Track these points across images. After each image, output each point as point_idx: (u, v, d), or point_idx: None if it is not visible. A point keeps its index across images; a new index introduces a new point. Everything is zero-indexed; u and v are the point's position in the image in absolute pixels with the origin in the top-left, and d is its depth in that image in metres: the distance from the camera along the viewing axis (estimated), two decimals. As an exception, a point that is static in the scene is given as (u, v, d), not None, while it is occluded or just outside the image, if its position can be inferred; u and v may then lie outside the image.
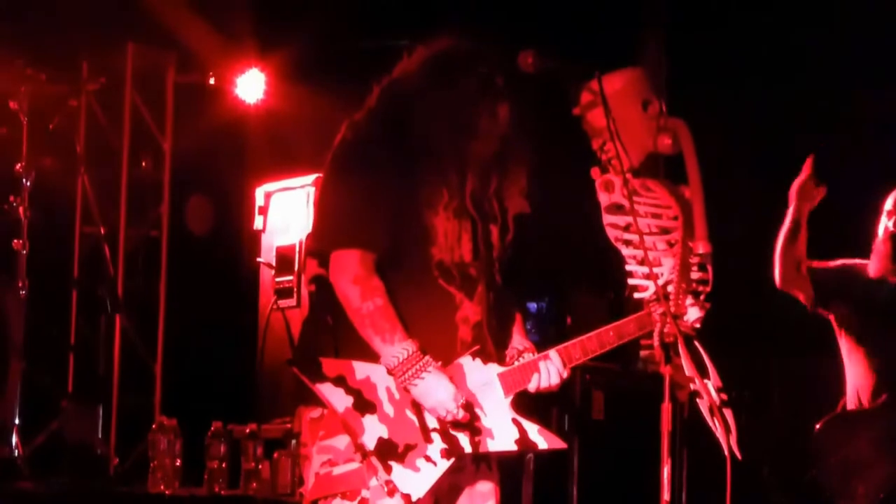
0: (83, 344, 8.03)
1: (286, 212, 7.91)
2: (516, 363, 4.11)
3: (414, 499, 3.85)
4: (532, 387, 4.07)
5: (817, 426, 6.13)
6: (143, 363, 8.28)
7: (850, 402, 6.22)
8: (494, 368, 4.06)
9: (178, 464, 6.69)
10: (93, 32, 8.07)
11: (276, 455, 6.82)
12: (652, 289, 3.97)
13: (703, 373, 3.89)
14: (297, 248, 7.72)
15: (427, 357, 3.90)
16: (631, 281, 4.05)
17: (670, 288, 3.96)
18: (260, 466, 6.77)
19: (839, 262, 6.31)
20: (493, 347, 4.09)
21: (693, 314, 4.02)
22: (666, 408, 3.70)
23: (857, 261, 6.33)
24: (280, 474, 6.77)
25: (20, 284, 6.96)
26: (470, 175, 4.06)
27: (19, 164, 7.09)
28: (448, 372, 3.95)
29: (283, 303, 7.72)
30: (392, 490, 3.85)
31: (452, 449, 3.93)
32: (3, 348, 6.92)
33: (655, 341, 3.82)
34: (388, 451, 3.86)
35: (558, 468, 6.67)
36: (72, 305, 8.02)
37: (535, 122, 4.20)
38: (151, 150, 8.70)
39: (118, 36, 8.34)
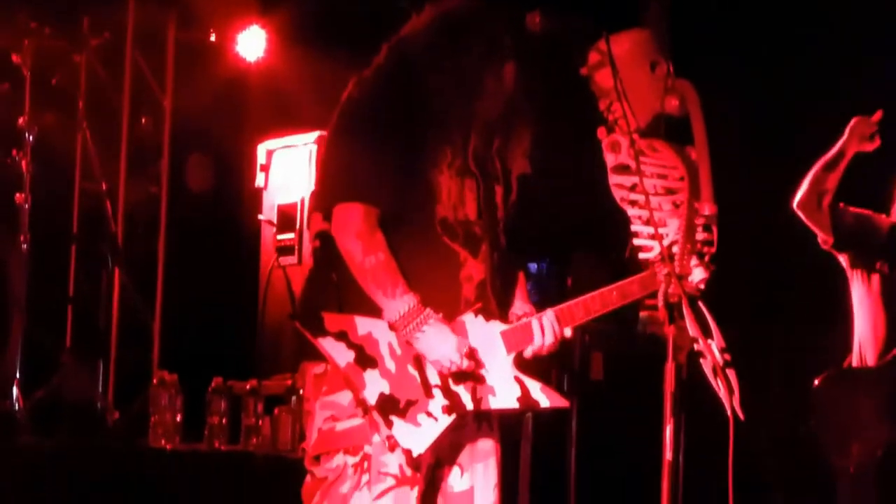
0: (83, 299, 8.03)
1: (288, 170, 7.91)
2: (519, 322, 4.12)
3: (415, 454, 3.86)
4: (535, 344, 4.08)
5: (817, 381, 6.14)
6: (141, 319, 8.30)
7: (855, 358, 6.22)
8: (497, 326, 4.07)
9: (178, 419, 6.71)
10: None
11: (276, 411, 6.84)
12: (657, 249, 3.98)
13: (706, 333, 3.90)
14: (299, 206, 7.72)
15: (428, 309, 3.91)
16: (636, 241, 4.06)
17: (675, 248, 3.97)
18: (260, 422, 6.79)
19: (856, 209, 6.30)
20: (496, 306, 4.10)
21: (697, 275, 4.03)
22: (669, 367, 3.71)
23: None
24: (280, 430, 6.80)
25: (22, 238, 6.96)
26: (473, 134, 4.07)
27: (22, 119, 7.09)
28: (451, 327, 3.96)
29: (284, 260, 7.73)
30: (393, 445, 3.86)
31: (454, 405, 3.94)
32: (4, 302, 6.93)
33: (660, 301, 3.83)
34: (390, 407, 3.87)
35: (557, 429, 6.69)
36: (71, 261, 8.03)
37: (542, 82, 4.20)
38: (152, 107, 8.69)
39: (120, -8, 8.34)
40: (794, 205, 6.18)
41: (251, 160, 8.16)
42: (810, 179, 6.14)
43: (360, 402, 3.89)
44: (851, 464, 6.00)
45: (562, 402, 4.14)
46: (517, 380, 4.07)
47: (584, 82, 4.15)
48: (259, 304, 7.81)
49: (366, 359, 3.90)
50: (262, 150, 8.06)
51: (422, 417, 3.89)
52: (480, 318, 4.04)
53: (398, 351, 3.93)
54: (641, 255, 4.07)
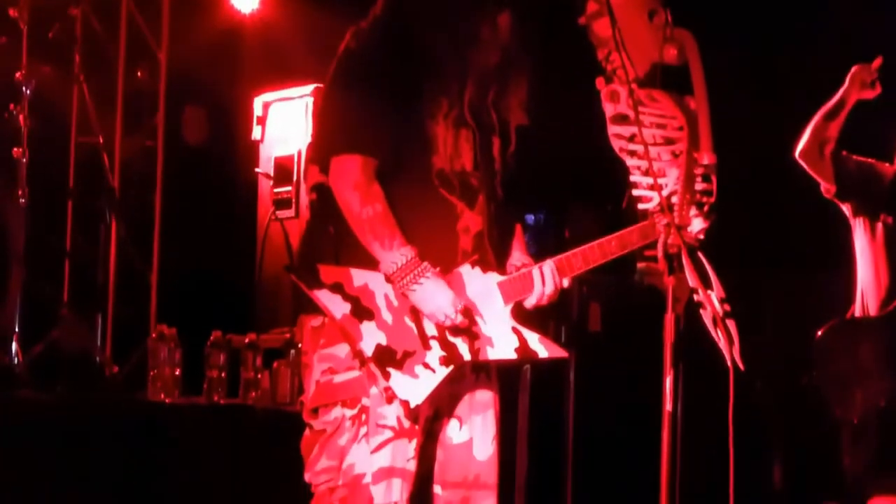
0: (80, 253, 8.02)
1: (284, 122, 7.88)
2: (516, 273, 4.12)
3: (412, 405, 3.87)
4: (533, 296, 4.08)
5: (819, 332, 6.13)
6: (139, 273, 8.30)
7: (857, 308, 6.21)
8: (494, 277, 4.07)
9: (177, 373, 6.71)
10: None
11: (275, 365, 6.85)
12: (656, 200, 3.96)
13: (706, 284, 3.90)
14: (296, 159, 7.70)
15: (425, 263, 3.91)
16: (635, 192, 4.04)
17: (674, 199, 3.96)
18: (259, 376, 6.79)
19: (862, 158, 6.27)
20: (493, 258, 4.10)
21: (697, 225, 4.02)
22: (669, 318, 3.71)
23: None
24: (279, 384, 6.80)
25: (20, 193, 6.94)
26: (470, 84, 4.05)
27: (19, 73, 7.05)
28: (447, 280, 3.96)
29: (281, 213, 7.72)
30: (391, 397, 3.87)
31: (451, 356, 3.94)
32: (3, 257, 6.92)
33: (659, 252, 3.82)
34: (387, 358, 3.87)
35: (555, 380, 6.70)
36: (68, 215, 8.01)
37: (539, 32, 4.18)
38: (147, 60, 8.65)
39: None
40: (797, 154, 6.17)
41: (247, 113, 8.13)
42: (812, 128, 6.12)
43: (357, 354, 3.89)
44: (854, 415, 6.00)
45: (560, 353, 4.14)
46: (515, 331, 4.06)
47: (582, 32, 4.13)
48: (257, 257, 7.80)
49: (362, 310, 3.89)
50: (258, 102, 8.03)
51: (419, 369, 3.90)
52: (477, 269, 4.04)
53: (395, 302, 3.93)
54: (640, 206, 4.06)
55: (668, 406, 3.71)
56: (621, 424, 6.65)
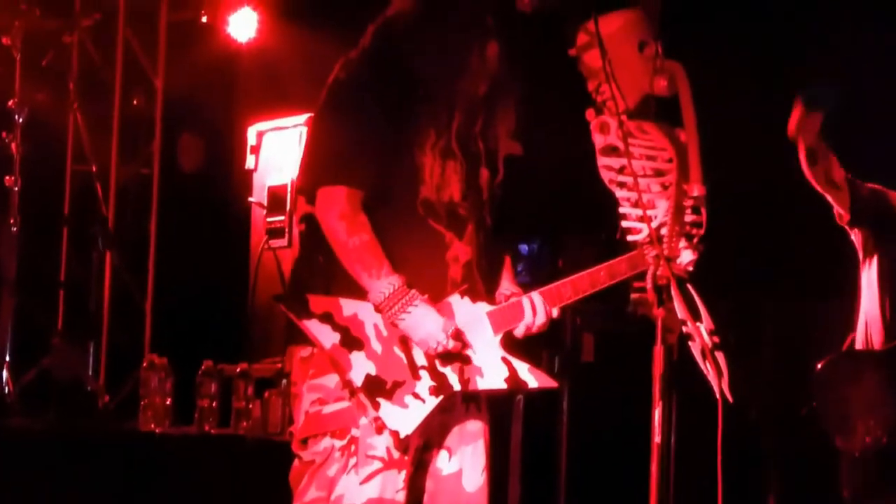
0: (74, 281, 8.02)
1: (278, 151, 7.88)
2: (505, 303, 4.11)
3: (402, 435, 3.85)
4: (522, 325, 4.07)
5: (820, 364, 6.10)
6: (133, 301, 8.29)
7: (859, 341, 6.17)
8: (483, 307, 4.06)
9: (168, 402, 6.70)
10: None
11: (266, 394, 6.83)
12: (645, 231, 3.96)
13: (695, 315, 3.89)
14: (289, 188, 7.70)
15: (414, 291, 3.90)
16: (624, 223, 4.04)
17: (664, 230, 3.96)
18: (251, 405, 6.78)
19: (869, 185, 6.23)
20: (482, 287, 4.09)
21: (686, 257, 4.03)
22: (658, 350, 3.70)
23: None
24: (271, 413, 6.78)
25: (12, 221, 6.94)
26: (457, 114, 4.05)
27: (12, 100, 7.06)
28: (437, 309, 3.94)
29: (274, 242, 7.70)
30: (380, 427, 3.85)
31: (441, 386, 3.93)
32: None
33: (648, 284, 3.81)
34: (376, 388, 3.85)
35: (548, 410, 6.69)
36: (62, 243, 8.01)
37: (529, 63, 4.18)
38: (143, 87, 8.67)
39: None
40: (808, 177, 6.11)
41: (243, 141, 8.14)
42: (807, 174, 6.07)
43: (347, 384, 3.88)
44: (855, 446, 5.97)
45: (550, 383, 4.13)
46: (504, 360, 4.05)
47: (572, 63, 4.14)
48: (250, 286, 7.79)
49: (352, 340, 3.88)
50: (252, 131, 8.03)
51: (409, 399, 3.88)
52: (467, 299, 4.03)
53: (384, 332, 3.92)
54: (630, 238, 4.06)
55: (657, 438, 3.70)
56: (615, 455, 6.63)
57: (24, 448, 5.91)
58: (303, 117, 7.67)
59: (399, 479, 3.94)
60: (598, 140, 4.06)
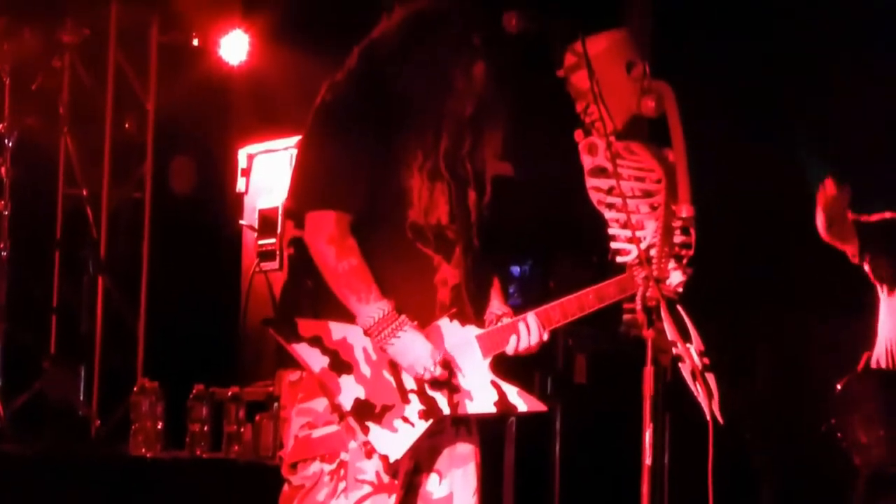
0: (65, 305, 8.01)
1: (269, 174, 7.88)
2: (494, 326, 4.09)
3: (391, 460, 3.84)
4: (510, 349, 4.06)
5: (839, 384, 6.07)
6: (125, 325, 8.27)
7: (882, 360, 6.14)
8: (472, 330, 4.04)
9: (159, 426, 6.69)
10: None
11: (258, 418, 6.81)
12: (634, 252, 3.96)
13: (685, 337, 3.88)
14: (280, 211, 7.69)
15: (403, 316, 3.88)
16: (613, 244, 4.04)
17: (653, 251, 3.95)
18: (242, 429, 6.76)
19: (878, 216, 6.21)
20: (471, 310, 4.07)
21: (675, 278, 4.02)
22: (648, 372, 3.69)
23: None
24: (262, 437, 6.76)
25: (2, 245, 6.93)
26: (444, 136, 4.04)
27: (1, 125, 7.06)
28: (426, 333, 3.93)
29: (265, 265, 7.70)
30: (370, 451, 3.84)
31: (430, 410, 3.91)
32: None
33: (638, 305, 3.81)
34: (366, 412, 3.84)
35: (541, 432, 6.68)
36: (54, 267, 8.01)
37: (516, 83, 4.18)
38: (135, 110, 8.66)
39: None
40: (823, 238, 6.08)
41: (234, 164, 8.14)
42: (821, 221, 6.03)
43: (336, 408, 3.86)
44: (872, 465, 5.96)
45: (539, 407, 4.11)
46: (494, 384, 4.03)
47: (560, 84, 4.14)
48: (241, 309, 7.78)
49: (341, 364, 3.87)
50: (242, 154, 8.03)
51: (398, 423, 3.87)
52: (456, 322, 4.02)
53: (373, 356, 3.90)
54: (619, 259, 4.06)
55: (648, 460, 3.69)
56: (607, 477, 6.62)
57: (16, 473, 5.90)
58: (294, 140, 7.65)
59: (389, 503, 3.92)
60: (587, 161, 4.06)
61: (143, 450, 6.60)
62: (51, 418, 7.12)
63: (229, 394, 6.82)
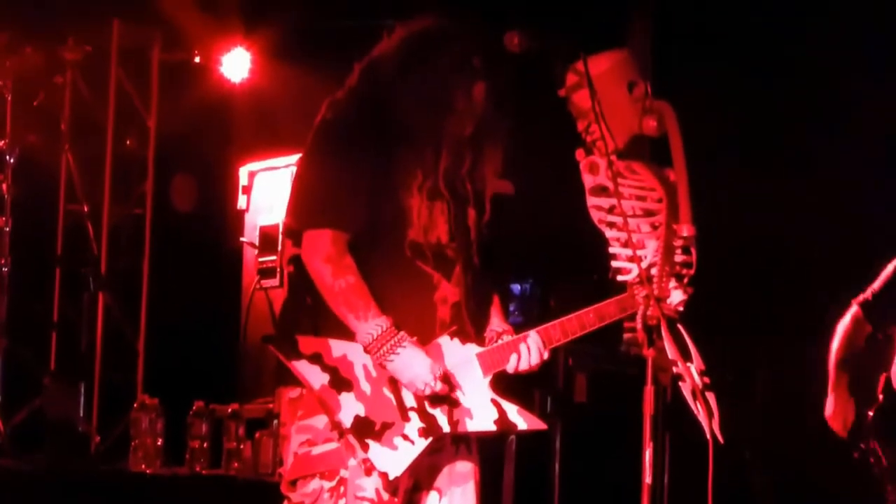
0: (66, 321, 8.01)
1: (270, 191, 7.90)
2: (495, 344, 4.10)
3: (391, 477, 3.83)
4: (511, 367, 4.06)
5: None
6: (125, 341, 8.27)
7: None
8: (473, 348, 4.05)
9: (159, 443, 6.68)
10: (79, 9, 8.04)
11: (257, 435, 6.81)
12: (635, 271, 3.96)
13: (685, 356, 3.88)
14: (281, 228, 7.70)
15: (402, 332, 3.88)
16: (614, 263, 4.04)
17: (654, 270, 3.96)
18: (242, 446, 6.76)
19: (879, 282, 6.09)
20: (471, 328, 4.08)
21: (676, 297, 4.02)
22: (648, 391, 3.69)
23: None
24: (262, 454, 6.76)
25: (2, 261, 6.94)
26: (444, 154, 4.05)
27: (3, 141, 7.07)
28: (426, 351, 3.93)
29: (265, 282, 7.71)
30: (369, 468, 3.84)
31: (430, 428, 3.91)
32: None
33: (638, 324, 3.81)
34: (365, 429, 3.84)
35: (540, 450, 6.67)
36: (55, 283, 8.01)
37: (517, 103, 4.18)
38: (136, 127, 8.68)
39: (104, 13, 8.32)
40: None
41: (235, 181, 8.15)
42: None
43: (336, 425, 3.86)
44: None
45: (539, 425, 4.11)
46: (494, 402, 4.04)
47: (562, 103, 4.14)
48: (241, 326, 7.79)
49: (341, 381, 3.87)
50: (243, 172, 8.05)
51: (398, 440, 3.86)
52: (456, 340, 4.02)
53: (373, 373, 3.90)
54: (620, 278, 4.06)
55: (648, 479, 3.68)
56: (607, 496, 6.61)
57: (16, 489, 5.89)
58: (295, 157, 7.63)
59: (389, 520, 3.92)
60: (588, 180, 4.06)
61: (143, 466, 6.60)
62: (51, 434, 7.11)
63: (229, 411, 6.82)
